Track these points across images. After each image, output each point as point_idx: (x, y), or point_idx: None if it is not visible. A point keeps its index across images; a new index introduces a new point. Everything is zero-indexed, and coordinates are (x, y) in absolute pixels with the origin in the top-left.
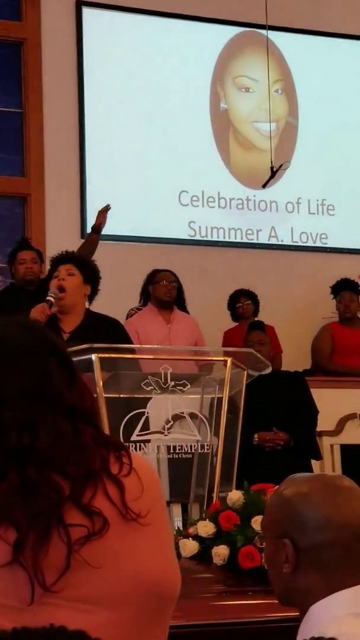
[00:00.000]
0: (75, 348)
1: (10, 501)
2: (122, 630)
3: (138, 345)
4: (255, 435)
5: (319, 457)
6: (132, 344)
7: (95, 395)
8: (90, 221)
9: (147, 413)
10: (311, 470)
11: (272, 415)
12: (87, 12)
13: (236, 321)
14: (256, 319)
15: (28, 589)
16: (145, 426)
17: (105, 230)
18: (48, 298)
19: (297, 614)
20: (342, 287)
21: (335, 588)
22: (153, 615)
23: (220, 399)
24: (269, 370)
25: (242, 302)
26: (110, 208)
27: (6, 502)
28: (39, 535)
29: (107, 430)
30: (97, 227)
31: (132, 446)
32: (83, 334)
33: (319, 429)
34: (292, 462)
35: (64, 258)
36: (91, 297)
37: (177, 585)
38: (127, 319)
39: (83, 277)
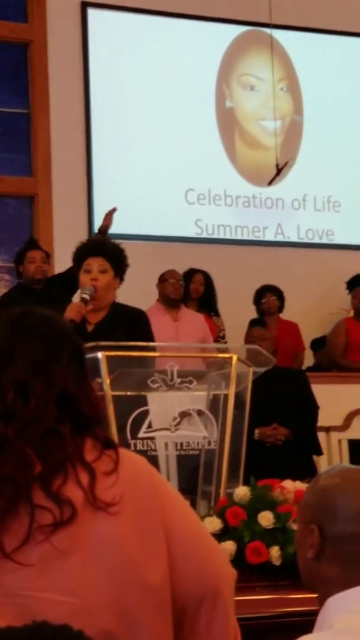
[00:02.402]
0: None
1: None
2: (99, 618)
3: (144, 343)
4: (256, 431)
5: (319, 452)
6: (152, 335)
7: (102, 393)
8: (98, 221)
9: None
10: (312, 466)
11: (273, 411)
12: (92, 12)
13: (262, 316)
14: (280, 315)
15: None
16: (152, 423)
17: (112, 229)
18: (83, 297)
19: (305, 608)
20: (357, 283)
21: (353, 582)
22: (130, 602)
23: (226, 396)
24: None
25: (268, 298)
26: (116, 210)
27: None
28: (4, 503)
29: (113, 428)
30: (104, 229)
31: (140, 443)
32: (107, 327)
33: (327, 424)
34: (293, 458)
35: (95, 249)
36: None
37: (141, 570)
38: None
39: (114, 271)
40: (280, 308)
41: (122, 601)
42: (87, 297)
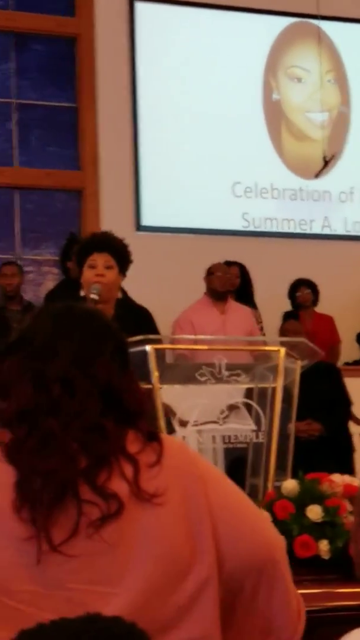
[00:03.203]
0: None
1: (31, 466)
2: (147, 611)
3: (192, 336)
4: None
5: (351, 449)
6: (158, 332)
7: (149, 387)
8: (145, 214)
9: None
10: (350, 461)
11: (305, 406)
12: (139, 6)
13: (296, 310)
14: (315, 308)
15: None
16: (200, 417)
17: (160, 223)
18: (92, 297)
19: (354, 602)
20: None
21: None
22: (176, 593)
23: (274, 389)
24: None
25: (302, 291)
26: None
27: (28, 467)
28: (51, 496)
29: (162, 421)
30: None
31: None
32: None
33: None
34: (326, 454)
35: (100, 245)
36: None
37: (187, 559)
38: (187, 308)
39: (119, 267)
40: (315, 301)
41: (169, 593)
42: (95, 297)
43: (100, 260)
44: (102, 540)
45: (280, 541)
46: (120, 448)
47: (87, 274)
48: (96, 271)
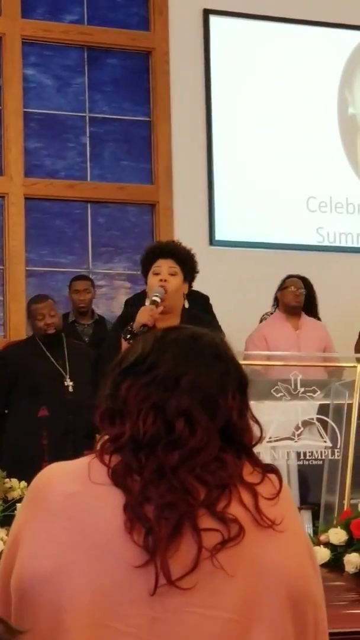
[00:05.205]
0: None
1: (144, 493)
2: (258, 636)
3: (267, 352)
4: None
5: None
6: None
7: None
8: (218, 228)
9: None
10: None
11: None
12: (214, 20)
13: None
14: None
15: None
16: (275, 433)
17: (233, 237)
18: (154, 299)
19: None
20: None
21: None
22: (290, 620)
23: (350, 405)
24: None
25: None
26: None
27: (140, 494)
28: (169, 529)
29: None
30: None
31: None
32: None
33: None
34: None
35: (165, 251)
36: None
37: (312, 586)
38: (260, 324)
39: (184, 275)
40: None
41: (281, 619)
42: (157, 299)
43: (164, 266)
44: (221, 566)
45: None
46: (239, 477)
47: (151, 281)
48: (160, 277)
